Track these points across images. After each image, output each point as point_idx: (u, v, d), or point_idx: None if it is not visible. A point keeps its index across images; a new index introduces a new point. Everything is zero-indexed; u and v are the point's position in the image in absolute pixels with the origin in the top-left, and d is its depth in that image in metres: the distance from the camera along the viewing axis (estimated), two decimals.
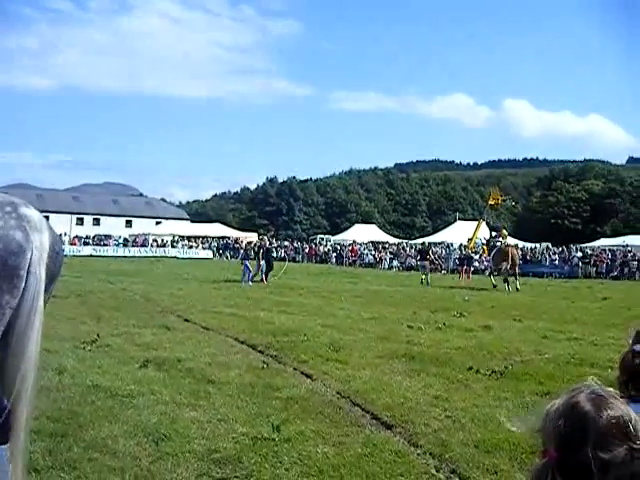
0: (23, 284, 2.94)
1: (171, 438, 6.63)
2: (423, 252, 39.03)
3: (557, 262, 53.72)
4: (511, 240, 69.96)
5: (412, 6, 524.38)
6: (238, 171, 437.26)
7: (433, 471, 6.06)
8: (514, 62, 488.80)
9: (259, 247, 31.05)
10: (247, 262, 30.29)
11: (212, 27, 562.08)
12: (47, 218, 3.01)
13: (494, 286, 33.53)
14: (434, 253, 49.49)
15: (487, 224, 65.71)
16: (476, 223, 66.55)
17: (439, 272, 51.29)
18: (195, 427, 7.04)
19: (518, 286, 33.06)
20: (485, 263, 55.22)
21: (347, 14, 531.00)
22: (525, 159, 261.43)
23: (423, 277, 35.26)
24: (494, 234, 39.27)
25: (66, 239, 65.96)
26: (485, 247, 41.81)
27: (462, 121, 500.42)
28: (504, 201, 79.70)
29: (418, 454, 6.53)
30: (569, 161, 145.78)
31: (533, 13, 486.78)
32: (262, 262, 30.64)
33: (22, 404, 2.95)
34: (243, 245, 45.12)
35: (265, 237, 32.01)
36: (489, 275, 36.59)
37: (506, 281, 33.17)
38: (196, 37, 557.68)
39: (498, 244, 37.26)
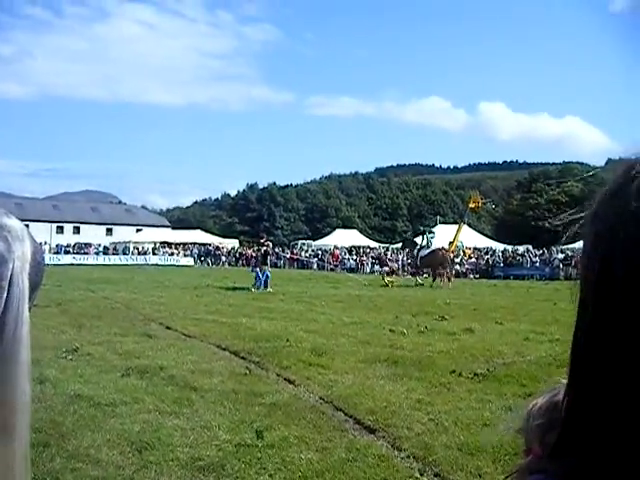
0: (5, 295, 2.93)
1: (154, 446, 6.61)
2: (381, 260, 42.90)
3: (538, 264, 54.06)
4: (487, 242, 70.89)
5: (386, 11, 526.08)
6: (218, 178, 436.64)
7: (417, 474, 6.08)
8: (489, 65, 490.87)
9: (265, 253, 31.02)
10: (258, 270, 30.32)
11: (189, 33, 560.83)
12: (27, 227, 3.00)
13: (421, 284, 37.62)
14: (391, 260, 52.04)
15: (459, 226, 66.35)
16: (457, 226, 66.82)
17: (420, 275, 51.47)
18: (178, 435, 7.03)
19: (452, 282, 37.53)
20: (466, 266, 55.72)
21: (322, 20, 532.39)
22: (505, 162, 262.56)
23: (387, 280, 38.50)
24: (430, 235, 41.17)
25: (46, 248, 65.54)
26: (407, 245, 44.17)
27: (440, 125, 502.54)
28: (484, 204, 79.99)
29: (402, 458, 6.55)
30: (548, 163, 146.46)
31: (506, 15, 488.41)
32: (269, 269, 30.87)
33: (18, 418, 2.94)
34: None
35: (270, 243, 32.02)
36: (414, 275, 40.76)
37: (441, 278, 37.90)
38: (173, 43, 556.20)
39: (430, 246, 40.23)
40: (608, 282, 0.78)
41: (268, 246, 31.36)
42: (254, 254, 30.81)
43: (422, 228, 42.79)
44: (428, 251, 39.64)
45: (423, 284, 37.42)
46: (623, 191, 0.80)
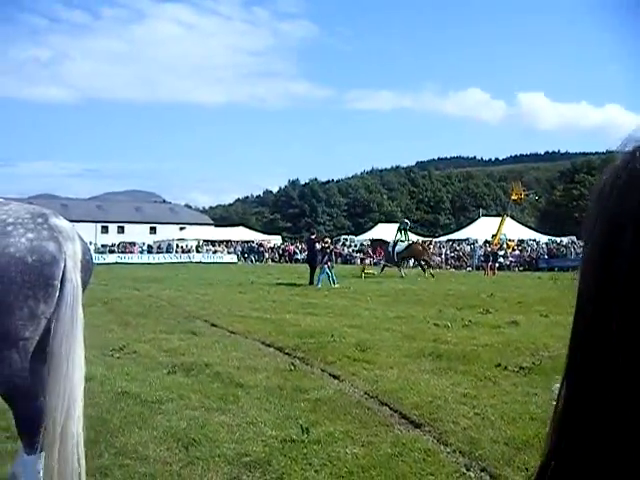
0: (57, 294, 3.00)
1: (201, 443, 6.65)
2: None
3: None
4: (531, 234, 70.45)
5: (423, 4, 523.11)
6: (260, 174, 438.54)
7: (463, 470, 6.03)
8: (527, 55, 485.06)
9: (331, 251, 31.48)
10: (327, 267, 30.44)
11: (226, 31, 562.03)
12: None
13: (401, 276, 38.22)
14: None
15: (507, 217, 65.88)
16: (500, 219, 66.32)
17: (464, 269, 51.21)
18: (224, 431, 7.06)
19: (432, 272, 39.72)
20: (510, 258, 55.25)
21: (360, 14, 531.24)
22: (547, 152, 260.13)
23: (365, 272, 39.87)
24: (399, 238, 42.25)
25: (92, 248, 66.41)
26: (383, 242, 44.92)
27: (480, 117, 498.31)
28: (527, 196, 79.37)
29: (448, 453, 6.51)
30: (591, 153, 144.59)
31: (543, 5, 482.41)
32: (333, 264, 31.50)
33: (73, 424, 3.00)
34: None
35: (328, 239, 32.64)
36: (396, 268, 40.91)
37: (423, 269, 40.42)
38: (210, 42, 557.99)
39: (404, 241, 41.95)
40: (610, 277, 0.73)
41: (328, 243, 31.82)
42: (326, 250, 30.86)
43: (399, 225, 43.79)
44: (405, 245, 41.33)
45: (402, 276, 38.46)
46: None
